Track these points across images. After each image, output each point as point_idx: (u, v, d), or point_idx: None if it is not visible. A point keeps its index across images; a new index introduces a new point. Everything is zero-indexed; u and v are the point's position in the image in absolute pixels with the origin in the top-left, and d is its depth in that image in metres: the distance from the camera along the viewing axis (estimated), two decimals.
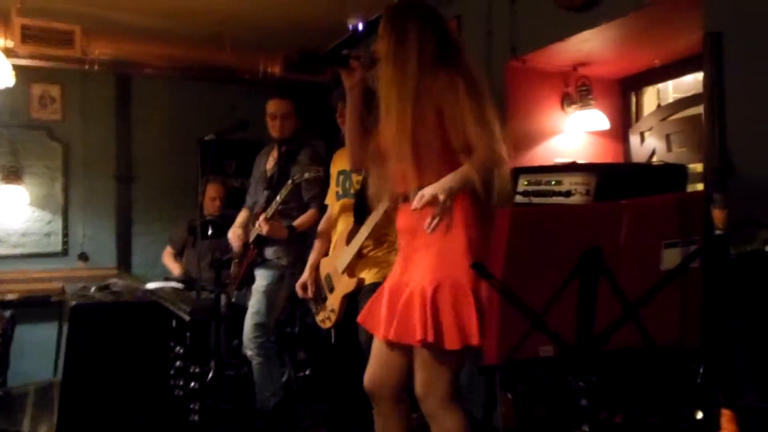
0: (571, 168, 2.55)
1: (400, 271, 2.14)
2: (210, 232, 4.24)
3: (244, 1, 4.71)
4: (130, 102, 5.85)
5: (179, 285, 3.87)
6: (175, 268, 5.02)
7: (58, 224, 5.57)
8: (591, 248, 1.38)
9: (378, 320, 2.13)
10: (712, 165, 1.29)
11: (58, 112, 5.56)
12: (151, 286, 3.74)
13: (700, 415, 2.03)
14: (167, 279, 4.65)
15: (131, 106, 5.85)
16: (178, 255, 5.12)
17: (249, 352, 3.64)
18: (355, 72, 2.11)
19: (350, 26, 5.06)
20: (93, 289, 3.67)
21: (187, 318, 2.47)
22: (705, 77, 1.48)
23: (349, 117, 2.18)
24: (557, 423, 2.47)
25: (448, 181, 1.88)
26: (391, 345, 2.12)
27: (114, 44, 4.95)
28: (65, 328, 3.55)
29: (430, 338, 1.89)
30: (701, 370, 1.75)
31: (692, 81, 3.82)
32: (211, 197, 4.72)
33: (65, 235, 5.59)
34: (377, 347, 2.20)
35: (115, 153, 5.80)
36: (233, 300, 4.07)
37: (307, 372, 4.52)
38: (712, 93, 1.28)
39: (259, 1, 4.70)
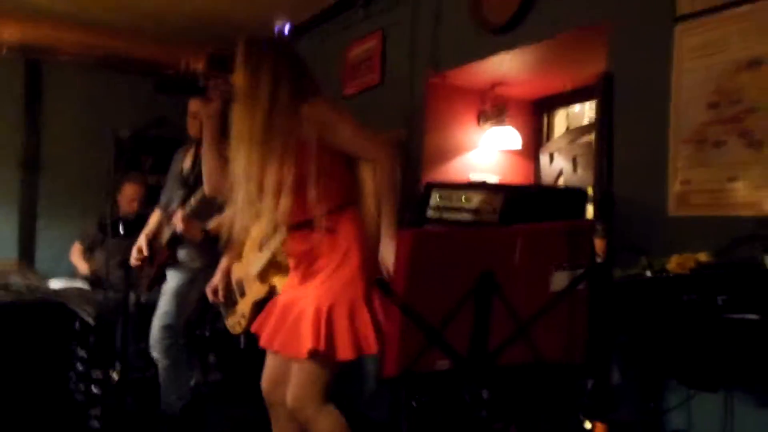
0: (481, 187, 2.67)
1: (294, 287, 2.22)
2: (122, 230, 4.13)
3: None
4: (42, 89, 5.60)
5: (85, 285, 3.75)
6: (82, 266, 4.84)
7: None
8: (485, 271, 1.47)
9: (265, 331, 2.21)
10: (596, 197, 1.40)
11: None
12: (54, 285, 3.60)
13: (588, 425, 2.17)
14: (73, 277, 4.50)
15: (42, 93, 5.60)
16: (88, 252, 4.95)
17: (156, 354, 3.56)
18: (213, 103, 2.13)
19: (276, 27, 5.06)
20: None
21: (92, 322, 2.42)
22: (596, 114, 1.60)
23: (206, 146, 2.20)
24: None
25: (390, 241, 1.97)
26: (277, 354, 2.20)
27: (25, 27, 4.77)
28: None
29: (322, 347, 1.97)
30: (588, 385, 1.87)
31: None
32: (130, 197, 4.60)
33: None
34: (270, 355, 2.27)
35: (23, 141, 5.54)
36: (142, 300, 3.99)
37: (217, 376, 4.48)
38: (602, 131, 1.39)
39: None
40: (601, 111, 1.53)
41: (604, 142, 1.50)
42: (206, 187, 2.36)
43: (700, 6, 2.44)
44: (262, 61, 2.04)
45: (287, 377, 2.17)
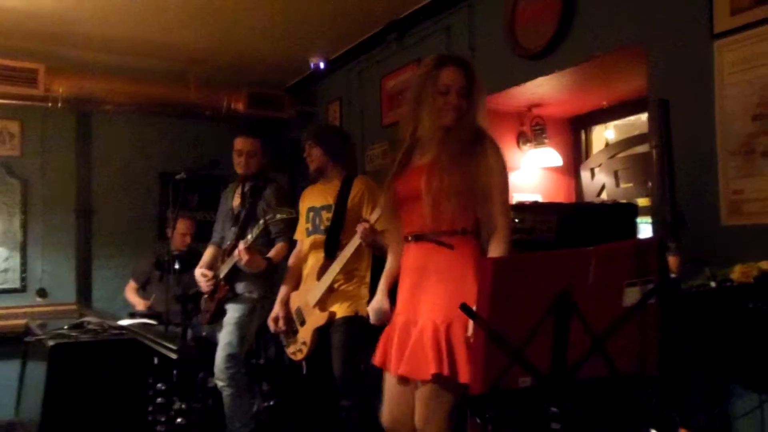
0: (534, 206, 2.75)
1: (406, 308, 2.22)
2: (177, 266, 4.29)
3: (208, 40, 4.84)
4: (91, 137, 5.86)
5: (149, 320, 3.89)
6: (138, 302, 5.02)
7: (16, 260, 5.51)
8: (562, 290, 1.56)
9: (390, 358, 2.20)
10: (666, 219, 1.49)
11: (17, 148, 5.53)
12: (123, 322, 3.75)
13: None
14: (132, 315, 4.66)
15: (92, 140, 5.86)
16: (141, 289, 5.13)
17: (220, 383, 3.67)
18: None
19: (312, 64, 5.25)
20: (66, 327, 3.67)
21: (174, 356, 2.54)
22: (652, 139, 1.70)
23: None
24: None
25: None
26: (403, 382, 2.18)
27: (77, 82, 5.00)
28: (37, 366, 3.53)
29: (446, 372, 1.98)
30: (657, 395, 1.94)
31: (634, 120, 4.13)
32: (182, 233, 4.78)
33: (23, 271, 5.53)
34: (390, 385, 2.25)
35: (75, 187, 5.78)
36: (204, 334, 4.13)
37: (272, 403, 4.58)
38: (662, 156, 1.48)
39: (223, 40, 4.84)
40: (658, 134, 1.62)
41: (665, 165, 1.60)
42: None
43: (738, 23, 2.52)
44: (482, 91, 2.20)
45: (413, 407, 2.16)
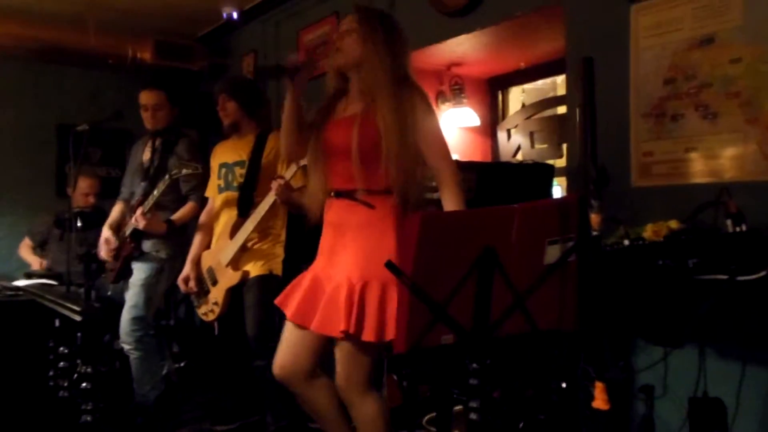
0: None
1: (324, 262, 2.20)
2: (79, 224, 4.05)
3: None
4: None
5: (48, 281, 3.68)
6: (34, 261, 4.73)
7: None
8: (486, 247, 1.56)
9: (292, 304, 2.18)
10: (590, 176, 1.51)
11: None
12: (20, 283, 3.52)
13: (564, 385, 2.32)
14: (29, 275, 4.39)
15: None
16: (38, 248, 4.83)
17: (127, 347, 3.55)
18: (301, 80, 2.20)
19: (224, 15, 5.01)
20: None
21: (78, 318, 2.40)
22: (575, 98, 1.70)
23: (290, 116, 2.25)
24: (440, 400, 2.69)
25: None
26: (299, 328, 2.17)
27: None
28: None
29: (352, 330, 1.98)
30: (573, 350, 2.01)
31: (548, 83, 4.21)
32: (84, 193, 4.49)
33: None
34: (290, 332, 2.22)
35: None
36: (109, 293, 3.94)
37: (182, 364, 4.48)
38: (585, 113, 1.49)
39: None
40: (583, 93, 1.63)
41: (588, 122, 1.61)
42: (284, 153, 2.41)
43: None
44: (376, 31, 2.12)
45: (309, 351, 2.17)
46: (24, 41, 4.87)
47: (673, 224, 1.97)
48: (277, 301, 2.27)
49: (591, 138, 1.55)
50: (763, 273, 1.77)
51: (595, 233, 1.51)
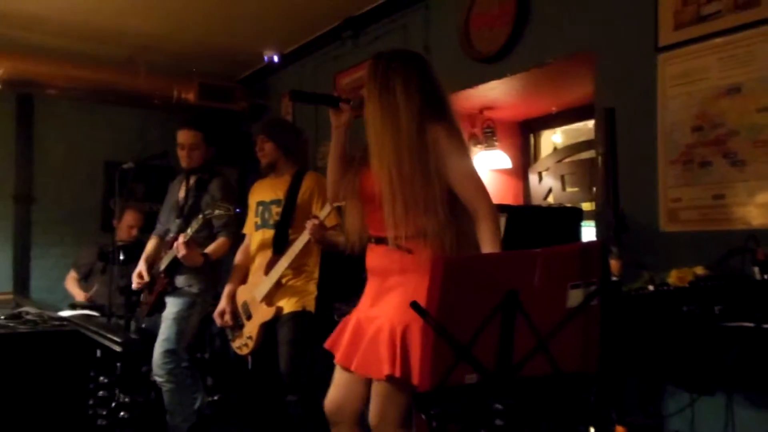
0: None
1: (369, 304, 2.21)
2: (122, 257, 4.20)
3: (160, 27, 4.75)
4: (32, 121, 5.64)
5: (91, 312, 3.81)
6: (78, 293, 4.90)
7: None
8: (509, 290, 1.61)
9: (340, 347, 2.20)
10: (610, 223, 1.56)
11: None
12: (64, 314, 3.65)
13: (592, 430, 2.32)
14: (74, 306, 4.55)
15: (33, 125, 5.64)
16: (83, 280, 5.00)
17: (159, 379, 3.63)
18: (344, 113, 2.19)
19: (266, 57, 5.21)
20: (3, 317, 3.54)
21: (119, 348, 2.50)
22: (598, 146, 1.76)
23: (333, 154, 2.25)
24: None
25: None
26: (348, 370, 2.19)
27: (18, 63, 4.84)
28: None
29: (398, 374, 1.98)
30: (596, 393, 2.02)
31: (581, 126, 4.25)
32: (129, 225, 4.68)
33: None
34: (339, 375, 2.26)
35: (14, 173, 5.57)
36: (143, 326, 4.06)
37: (216, 397, 4.54)
38: (607, 162, 1.54)
39: (175, 27, 4.76)
40: (605, 142, 1.69)
41: (609, 170, 1.66)
42: (329, 193, 2.39)
43: (681, 37, 2.63)
44: (392, 76, 2.08)
45: (357, 395, 2.19)
46: (78, 82, 5.13)
47: (699, 270, 1.99)
48: (326, 345, 2.29)
49: (613, 185, 1.60)
50: None
51: (614, 278, 1.55)
